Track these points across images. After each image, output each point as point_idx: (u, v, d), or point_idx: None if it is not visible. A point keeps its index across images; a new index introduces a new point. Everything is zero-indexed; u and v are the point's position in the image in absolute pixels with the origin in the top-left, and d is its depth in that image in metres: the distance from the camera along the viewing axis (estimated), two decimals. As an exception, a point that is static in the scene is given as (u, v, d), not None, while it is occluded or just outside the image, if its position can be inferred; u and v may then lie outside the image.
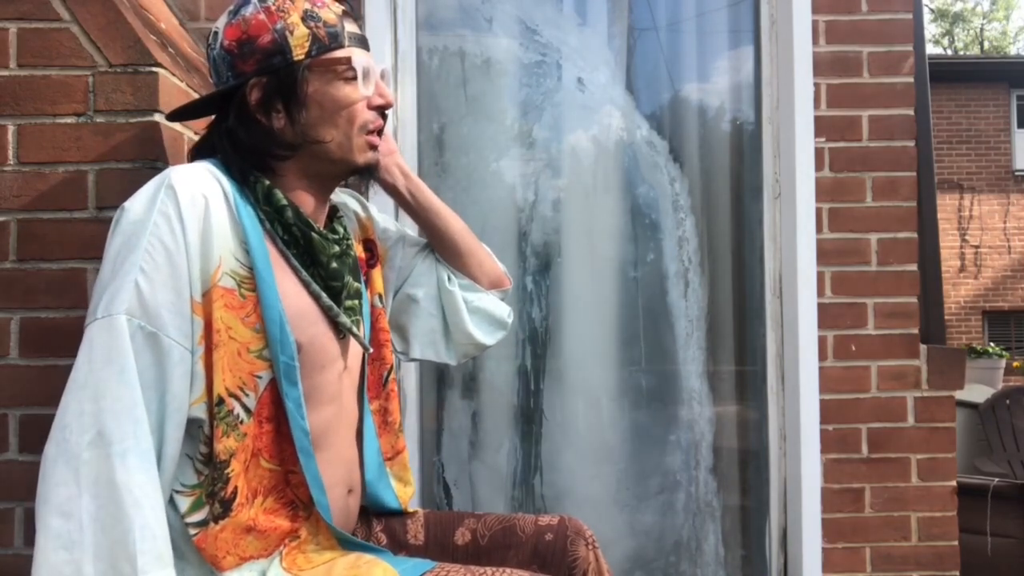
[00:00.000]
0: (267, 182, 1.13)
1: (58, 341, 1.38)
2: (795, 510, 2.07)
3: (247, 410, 1.07)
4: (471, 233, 1.41)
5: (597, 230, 2.22)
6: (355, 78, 1.15)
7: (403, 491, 1.33)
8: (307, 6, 1.14)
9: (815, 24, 2.07)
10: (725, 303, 2.24)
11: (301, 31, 1.12)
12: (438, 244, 1.39)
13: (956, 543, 2.05)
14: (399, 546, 1.30)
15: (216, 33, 1.14)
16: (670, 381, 2.23)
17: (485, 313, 1.40)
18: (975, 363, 5.27)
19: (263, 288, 1.08)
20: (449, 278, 1.39)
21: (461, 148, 2.20)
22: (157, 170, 1.37)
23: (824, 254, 2.06)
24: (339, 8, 1.17)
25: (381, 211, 1.45)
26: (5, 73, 1.39)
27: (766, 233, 2.16)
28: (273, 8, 1.12)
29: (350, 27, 1.17)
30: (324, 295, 1.15)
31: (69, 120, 1.39)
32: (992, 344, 8.61)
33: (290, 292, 1.12)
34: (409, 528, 1.32)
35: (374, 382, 1.32)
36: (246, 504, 1.07)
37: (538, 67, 2.22)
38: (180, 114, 1.23)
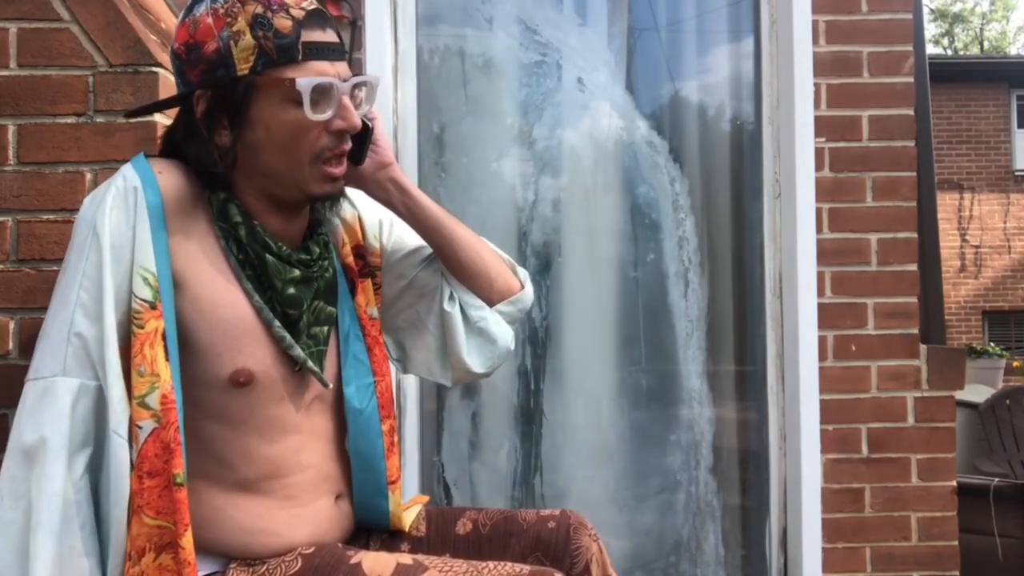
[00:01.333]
0: (222, 195, 1.05)
1: (58, 341, 1.38)
2: (795, 510, 2.07)
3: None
4: (481, 245, 1.28)
5: (597, 230, 2.22)
6: (301, 102, 1.00)
7: (398, 515, 1.27)
8: (259, 10, 0.99)
9: (815, 24, 2.07)
10: (725, 303, 2.23)
11: (246, 42, 0.99)
12: (442, 260, 1.27)
13: (956, 543, 2.05)
14: (400, 539, 1.30)
15: (172, 31, 1.06)
16: (670, 381, 2.23)
17: (487, 336, 1.27)
18: (975, 363, 5.26)
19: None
20: (451, 295, 1.27)
21: (461, 148, 2.20)
22: (157, 170, 1.38)
23: (824, 254, 2.06)
24: (301, 12, 1.01)
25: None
26: (5, 73, 1.39)
27: (766, 233, 2.16)
28: (221, 11, 1.00)
29: (313, 35, 1.02)
30: (276, 323, 1.06)
31: (69, 120, 1.39)
32: (992, 344, 8.61)
33: (241, 316, 1.05)
34: None
35: (387, 400, 1.23)
36: (134, 562, 0.99)
37: (538, 67, 2.22)
38: (140, 116, 1.16)
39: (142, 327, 0.98)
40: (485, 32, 2.21)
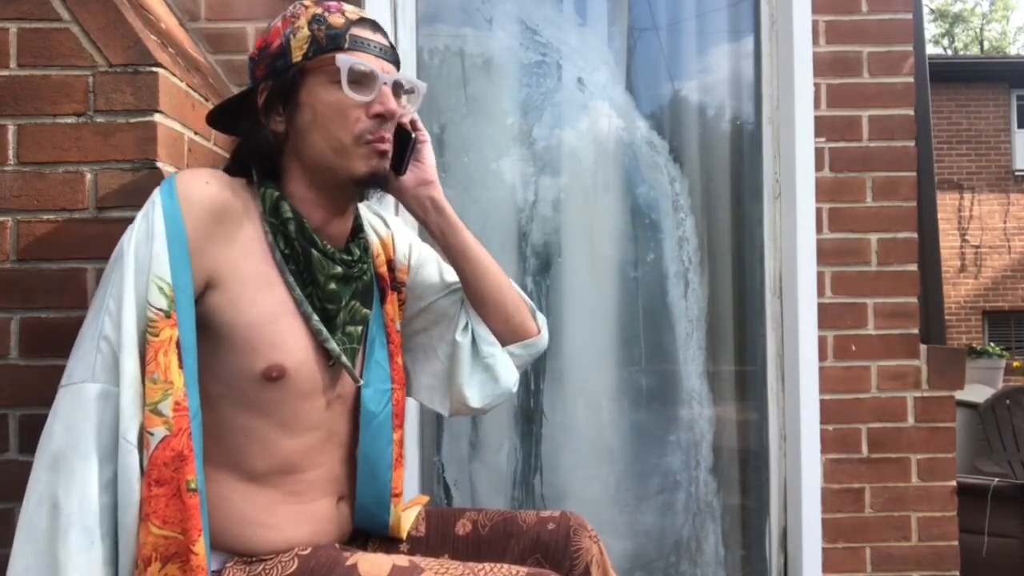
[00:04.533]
0: (276, 193, 1.11)
1: (58, 341, 1.37)
2: (795, 510, 2.07)
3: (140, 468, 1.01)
4: (505, 281, 1.31)
5: (597, 230, 2.22)
6: (340, 82, 1.09)
7: (397, 526, 1.28)
8: (318, 11, 1.11)
9: (815, 24, 2.07)
10: (725, 303, 2.24)
11: (303, 34, 1.10)
12: (465, 287, 1.30)
13: (956, 543, 2.05)
14: (399, 539, 1.30)
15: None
16: (670, 381, 2.23)
17: (492, 373, 1.29)
18: (975, 363, 5.26)
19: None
20: (466, 325, 1.31)
21: (461, 148, 2.20)
22: (157, 170, 1.38)
23: (824, 254, 2.06)
24: (355, 15, 1.13)
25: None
26: (5, 73, 1.39)
27: (766, 233, 2.16)
28: (289, 15, 1.13)
29: (363, 32, 1.12)
30: (315, 317, 1.11)
31: (69, 120, 1.39)
32: (992, 344, 8.60)
33: (281, 308, 1.09)
34: None
35: (401, 410, 1.25)
36: (140, 571, 1.01)
37: (538, 67, 2.22)
38: (214, 120, 1.22)
39: (156, 335, 1.01)
40: (485, 32, 2.21)
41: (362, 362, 1.21)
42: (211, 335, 1.07)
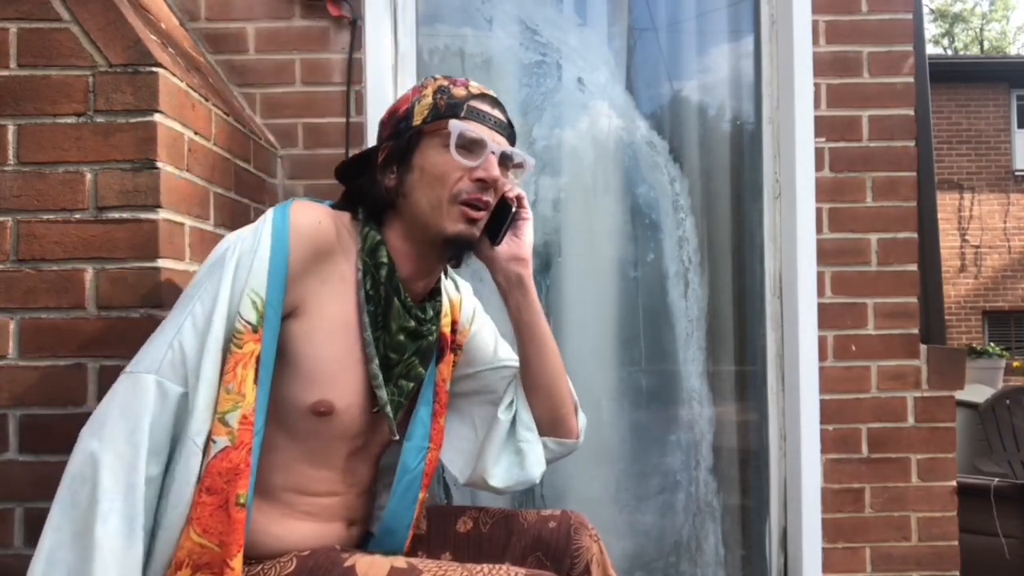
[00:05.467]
0: (377, 236, 1.15)
1: (58, 341, 1.38)
2: (795, 510, 2.07)
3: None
4: (562, 376, 1.33)
5: (597, 230, 2.22)
6: (448, 146, 1.14)
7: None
8: (445, 83, 1.19)
9: (815, 24, 2.07)
10: (725, 303, 2.23)
11: (426, 102, 1.17)
12: (523, 369, 1.32)
13: (956, 543, 2.05)
14: None
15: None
16: (670, 381, 2.23)
17: (522, 457, 1.30)
18: (975, 363, 5.26)
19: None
20: (511, 403, 1.32)
21: (461, 148, 2.20)
22: (157, 170, 1.38)
23: (824, 254, 2.06)
24: (477, 89, 1.19)
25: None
26: (5, 73, 1.39)
27: (766, 233, 2.16)
28: (420, 85, 1.22)
29: (482, 106, 1.18)
30: (376, 361, 1.14)
31: (69, 120, 1.39)
32: (992, 344, 8.60)
33: (348, 344, 1.13)
34: None
35: (431, 471, 1.28)
36: (171, 572, 1.03)
37: (538, 67, 2.22)
38: (342, 172, 1.26)
39: (240, 347, 1.05)
40: (485, 32, 2.21)
41: (404, 419, 1.24)
42: (278, 359, 1.11)
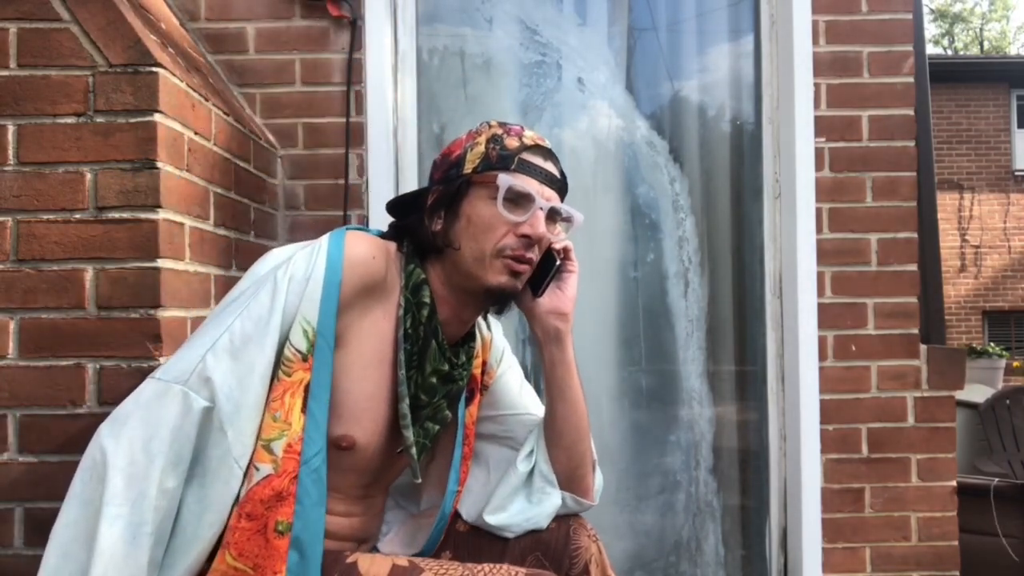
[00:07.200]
0: (422, 275, 1.15)
1: (58, 341, 1.38)
2: (795, 510, 2.07)
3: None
4: (587, 434, 1.30)
5: (597, 230, 2.22)
6: (496, 198, 1.13)
7: None
8: (499, 132, 1.17)
9: (815, 24, 2.07)
10: (725, 303, 2.23)
11: (478, 150, 1.16)
12: (549, 422, 1.30)
13: (956, 543, 2.05)
14: None
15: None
16: (670, 381, 2.23)
17: (533, 503, 1.28)
18: (975, 363, 5.26)
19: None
20: (531, 453, 1.30)
21: (461, 148, 2.20)
22: (157, 170, 1.38)
23: (824, 254, 2.06)
24: (531, 141, 1.17)
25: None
26: (5, 73, 1.39)
27: (766, 233, 2.16)
28: (474, 132, 1.20)
29: (534, 159, 1.16)
30: (406, 400, 1.13)
31: (69, 120, 1.39)
32: (992, 344, 8.60)
33: (381, 380, 1.12)
34: None
35: (455, 513, 1.30)
36: None
37: (538, 67, 2.22)
38: (395, 207, 1.25)
39: (289, 375, 1.05)
40: (485, 32, 2.21)
41: (427, 461, 1.25)
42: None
